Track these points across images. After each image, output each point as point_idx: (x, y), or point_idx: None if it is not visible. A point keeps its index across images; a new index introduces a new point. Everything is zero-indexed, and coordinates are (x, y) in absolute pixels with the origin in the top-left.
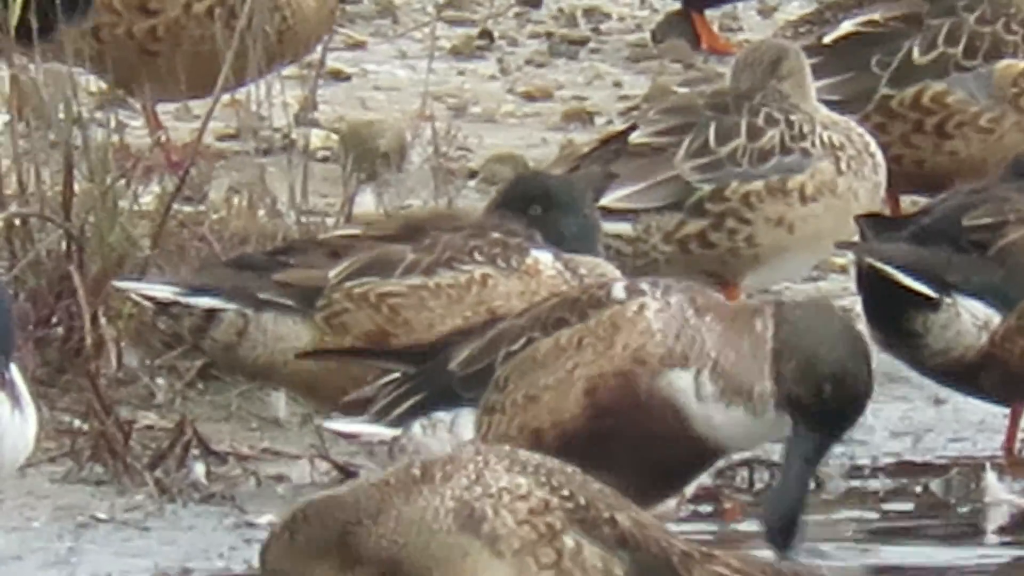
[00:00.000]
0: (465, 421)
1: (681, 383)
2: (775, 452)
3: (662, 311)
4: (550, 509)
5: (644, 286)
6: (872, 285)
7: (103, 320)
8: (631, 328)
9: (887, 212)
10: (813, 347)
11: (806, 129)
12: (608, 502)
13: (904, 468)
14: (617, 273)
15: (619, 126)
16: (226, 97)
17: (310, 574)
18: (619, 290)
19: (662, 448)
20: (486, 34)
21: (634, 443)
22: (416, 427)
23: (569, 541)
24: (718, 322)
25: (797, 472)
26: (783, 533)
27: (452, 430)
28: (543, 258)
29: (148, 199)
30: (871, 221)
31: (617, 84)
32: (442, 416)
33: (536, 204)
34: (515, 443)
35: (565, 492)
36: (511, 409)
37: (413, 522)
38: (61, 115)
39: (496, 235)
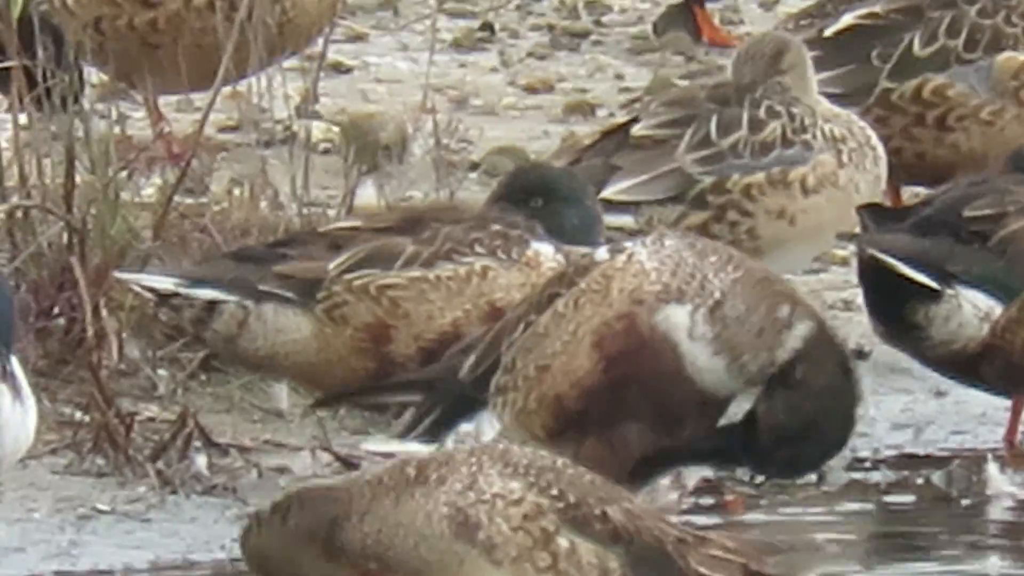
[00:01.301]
0: (487, 422)
1: (677, 318)
2: None
3: (656, 252)
4: (543, 512)
5: (627, 243)
6: (874, 277)
7: (104, 312)
8: (624, 273)
9: (887, 204)
10: (810, 417)
11: (807, 122)
12: (599, 495)
13: (905, 460)
14: None
15: (621, 118)
16: (227, 89)
17: (296, 559)
18: (602, 252)
19: (669, 390)
20: (487, 26)
21: (646, 388)
22: (449, 442)
23: (563, 542)
24: (735, 270)
25: (711, 446)
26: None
27: (478, 437)
28: (544, 250)
29: (150, 191)
30: (872, 212)
31: (619, 76)
32: (467, 427)
33: (537, 196)
34: (534, 417)
35: (555, 492)
36: (524, 384)
37: (403, 525)
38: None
39: (497, 227)
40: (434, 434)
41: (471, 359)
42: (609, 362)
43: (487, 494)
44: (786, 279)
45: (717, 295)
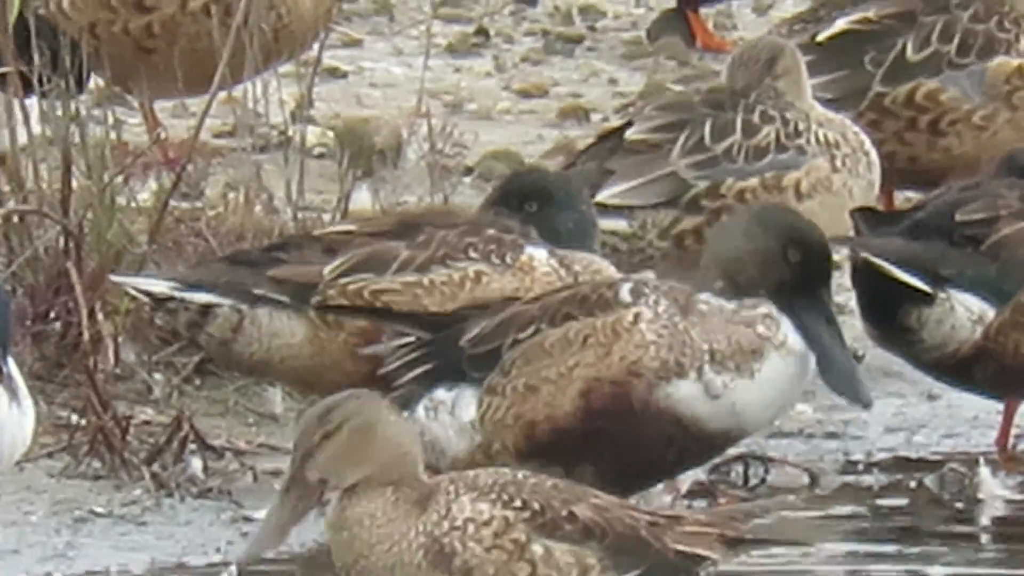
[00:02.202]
0: (466, 403)
1: (682, 393)
2: (769, 448)
3: (653, 321)
4: (511, 524)
5: (647, 289)
6: (867, 281)
7: (100, 316)
8: (628, 339)
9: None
10: (754, 237)
11: (801, 126)
12: (563, 498)
13: (898, 464)
14: (612, 270)
15: (615, 123)
16: (223, 94)
17: None
18: (626, 292)
19: (656, 450)
20: (482, 31)
21: (625, 446)
22: (420, 410)
23: (538, 548)
24: (707, 313)
25: (827, 337)
26: (855, 389)
27: (453, 412)
28: (537, 255)
29: (145, 195)
30: (866, 216)
31: (612, 81)
32: (443, 396)
33: (532, 201)
34: (509, 431)
35: (518, 503)
36: (511, 396)
37: (380, 545)
38: (59, 112)
39: (491, 232)
40: (411, 396)
41: (475, 331)
42: (589, 415)
43: (459, 520)
44: None
45: (705, 346)
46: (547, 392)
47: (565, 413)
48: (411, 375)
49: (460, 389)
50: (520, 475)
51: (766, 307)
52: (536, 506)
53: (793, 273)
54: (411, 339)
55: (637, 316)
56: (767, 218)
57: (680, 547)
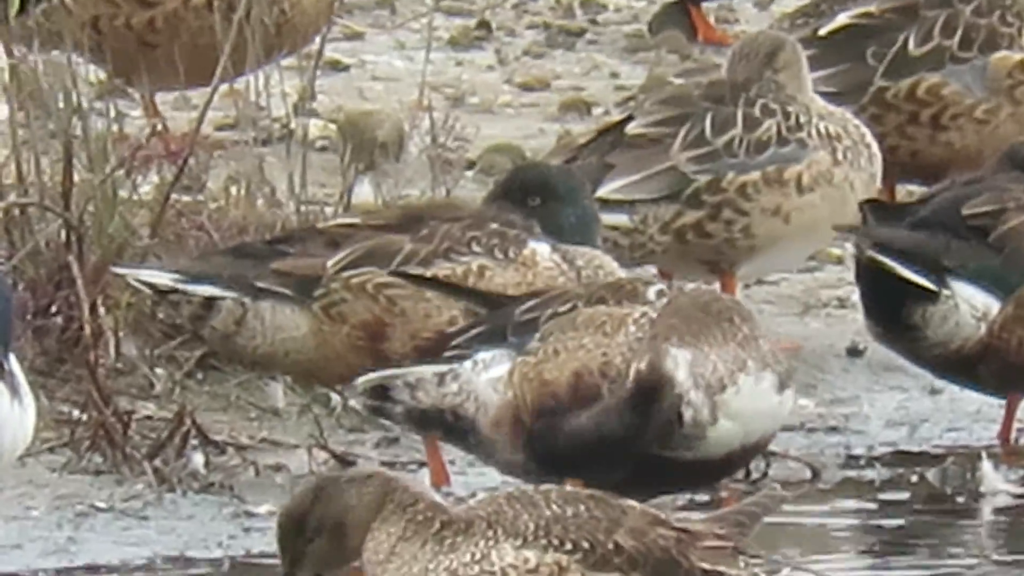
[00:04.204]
0: (499, 362)
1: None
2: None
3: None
4: (565, 568)
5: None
6: (871, 277)
7: (102, 310)
8: (619, 336)
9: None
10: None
11: (802, 120)
12: (604, 527)
13: (900, 458)
14: (615, 265)
15: (616, 116)
16: (225, 87)
17: None
18: (652, 293)
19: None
20: (484, 25)
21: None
22: (468, 364)
23: None
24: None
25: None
26: None
27: (488, 369)
28: (540, 249)
29: (147, 189)
30: (874, 208)
31: (614, 75)
32: (485, 356)
33: (535, 195)
34: (529, 387)
35: (569, 545)
36: (540, 356)
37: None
38: (60, 105)
39: (494, 226)
40: (465, 349)
41: (529, 304)
42: (575, 395)
43: (496, 567)
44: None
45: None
46: (560, 360)
47: (560, 386)
48: (467, 336)
49: (499, 351)
50: (559, 509)
51: None
52: (586, 544)
53: None
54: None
55: (641, 315)
56: None
57: (705, 565)
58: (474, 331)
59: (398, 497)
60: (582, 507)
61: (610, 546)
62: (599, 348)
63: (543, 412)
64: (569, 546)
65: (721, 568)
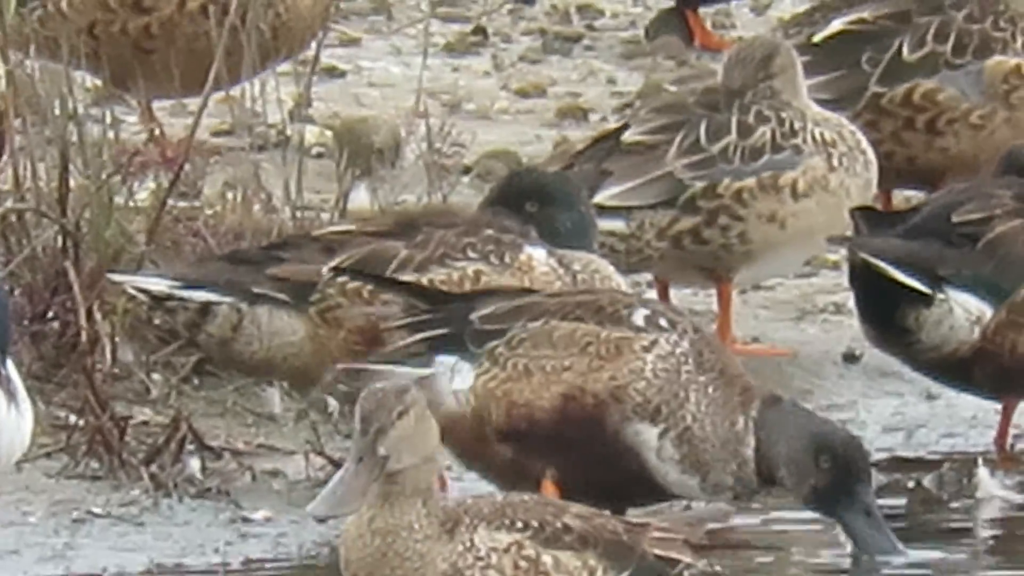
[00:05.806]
0: (464, 374)
1: (645, 436)
2: None
3: (662, 359)
4: (522, 544)
5: (664, 322)
6: (865, 281)
7: (98, 315)
8: (626, 363)
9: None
10: (789, 441)
11: (797, 126)
12: (550, 512)
13: (896, 463)
14: (611, 270)
15: (613, 123)
16: (221, 93)
17: None
18: (639, 317)
19: (617, 477)
20: (480, 31)
21: (591, 463)
22: (431, 368)
23: (548, 559)
24: (713, 387)
25: (865, 530)
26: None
27: (451, 378)
28: (536, 255)
29: (143, 195)
30: (866, 215)
31: (611, 81)
32: (446, 362)
33: (532, 201)
34: (495, 404)
35: (520, 523)
36: (509, 371)
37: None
38: (57, 111)
39: (490, 232)
40: (420, 355)
41: (489, 310)
42: (563, 419)
43: (483, 551)
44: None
45: (688, 420)
46: (536, 381)
47: (543, 408)
48: (417, 337)
49: (460, 360)
50: (517, 497)
51: None
52: (535, 523)
53: (827, 478)
54: (419, 311)
55: (652, 344)
56: (806, 423)
57: (657, 551)
58: (427, 332)
59: None
60: (529, 499)
61: (558, 525)
62: (599, 371)
63: (514, 435)
64: (521, 524)
65: (673, 555)
